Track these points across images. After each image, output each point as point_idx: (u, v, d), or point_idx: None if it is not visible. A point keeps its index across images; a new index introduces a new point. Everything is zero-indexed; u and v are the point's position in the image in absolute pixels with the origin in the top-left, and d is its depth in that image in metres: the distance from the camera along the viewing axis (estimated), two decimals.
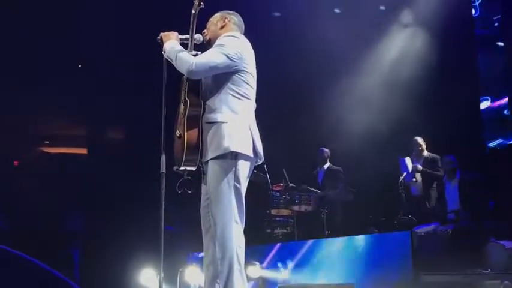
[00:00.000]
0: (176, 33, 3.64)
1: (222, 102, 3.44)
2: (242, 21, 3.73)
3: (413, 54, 9.10)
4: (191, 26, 3.58)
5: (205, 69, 3.41)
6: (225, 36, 3.56)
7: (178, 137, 3.48)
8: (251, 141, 3.46)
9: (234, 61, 3.44)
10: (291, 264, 6.88)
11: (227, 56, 3.42)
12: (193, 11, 3.55)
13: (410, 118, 8.71)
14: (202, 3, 3.52)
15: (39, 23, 8.87)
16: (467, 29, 9.19)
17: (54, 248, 9.71)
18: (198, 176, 3.56)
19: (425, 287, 5.86)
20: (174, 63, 3.49)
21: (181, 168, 3.47)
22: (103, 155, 10.79)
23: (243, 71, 3.49)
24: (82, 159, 11.64)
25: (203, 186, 3.57)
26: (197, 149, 3.42)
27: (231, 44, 3.48)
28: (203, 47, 3.66)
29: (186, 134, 3.41)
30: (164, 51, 3.57)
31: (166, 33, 3.64)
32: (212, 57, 3.43)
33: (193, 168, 3.48)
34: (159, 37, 3.65)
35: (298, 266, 6.79)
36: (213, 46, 3.52)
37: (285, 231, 8.20)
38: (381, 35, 9.53)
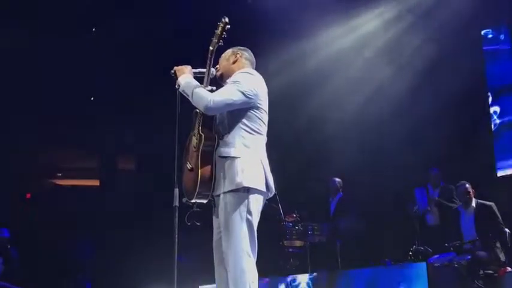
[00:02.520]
0: (189, 67, 3.66)
1: (236, 137, 3.45)
2: (253, 56, 3.76)
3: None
4: (208, 62, 3.59)
5: (223, 106, 3.44)
6: (240, 72, 3.58)
7: (190, 170, 3.48)
8: (263, 175, 3.45)
9: (250, 98, 3.47)
10: None
11: (243, 93, 3.45)
12: (211, 48, 3.57)
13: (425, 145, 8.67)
14: (221, 40, 3.56)
15: (50, 57, 9.01)
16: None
17: (66, 279, 9.70)
18: (207, 208, 3.55)
19: None
20: (189, 98, 3.51)
21: (192, 201, 3.46)
22: (115, 187, 10.83)
23: (258, 107, 3.52)
24: (94, 191, 11.69)
25: (214, 219, 3.56)
26: (210, 183, 3.42)
27: (247, 80, 3.50)
28: (215, 81, 3.68)
29: (199, 168, 3.41)
30: (178, 86, 3.59)
31: (180, 67, 3.66)
32: (229, 94, 3.45)
33: (204, 201, 3.48)
34: (172, 71, 3.66)
35: None
36: (229, 82, 3.54)
37: (298, 262, 8.13)
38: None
